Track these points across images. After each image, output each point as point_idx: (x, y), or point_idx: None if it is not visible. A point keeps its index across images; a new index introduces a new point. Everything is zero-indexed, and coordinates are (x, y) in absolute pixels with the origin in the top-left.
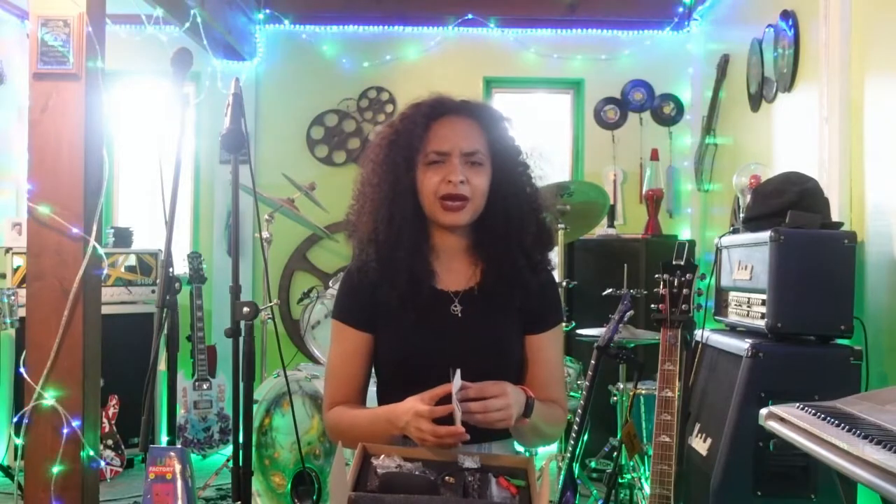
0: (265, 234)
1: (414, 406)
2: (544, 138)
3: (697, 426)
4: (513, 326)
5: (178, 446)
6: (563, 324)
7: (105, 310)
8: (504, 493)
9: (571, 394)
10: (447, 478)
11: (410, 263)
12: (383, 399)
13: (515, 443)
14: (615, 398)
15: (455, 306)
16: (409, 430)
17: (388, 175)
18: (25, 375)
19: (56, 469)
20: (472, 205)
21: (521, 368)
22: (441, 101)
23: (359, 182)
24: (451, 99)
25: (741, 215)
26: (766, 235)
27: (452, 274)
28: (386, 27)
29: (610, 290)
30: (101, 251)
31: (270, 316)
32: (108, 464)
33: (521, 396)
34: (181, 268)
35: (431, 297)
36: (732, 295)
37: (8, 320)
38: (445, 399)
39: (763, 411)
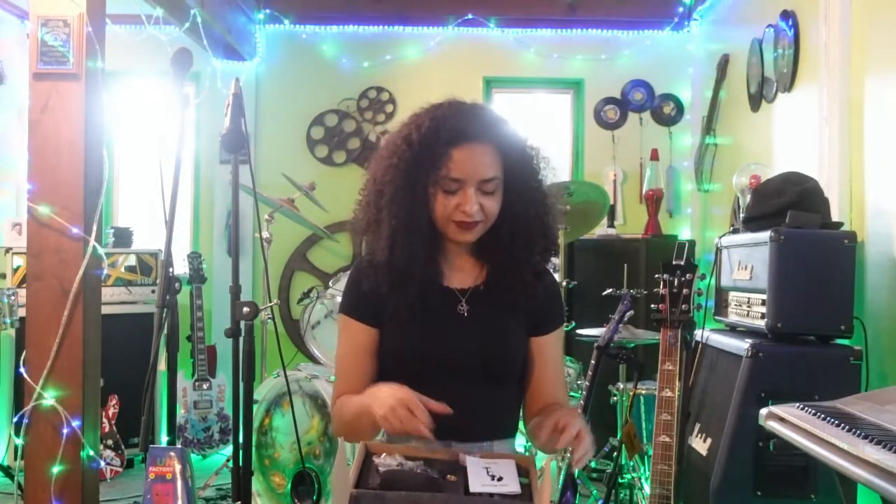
0: (265, 234)
1: (404, 389)
2: (544, 138)
3: (697, 426)
4: (518, 326)
5: (178, 446)
6: (564, 325)
7: (105, 310)
8: None
9: (571, 394)
10: (449, 476)
11: (420, 267)
12: None
13: (516, 442)
14: (615, 398)
15: (462, 305)
16: (384, 397)
17: (405, 198)
18: (25, 375)
19: (56, 469)
20: (483, 225)
21: (525, 368)
22: (463, 128)
23: (371, 189)
24: (472, 120)
25: (741, 215)
26: (766, 235)
27: (459, 272)
28: (386, 27)
29: (610, 290)
30: (101, 251)
31: (270, 316)
32: (108, 464)
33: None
34: (181, 268)
35: (439, 295)
36: (732, 295)
37: (8, 320)
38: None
39: (763, 411)
